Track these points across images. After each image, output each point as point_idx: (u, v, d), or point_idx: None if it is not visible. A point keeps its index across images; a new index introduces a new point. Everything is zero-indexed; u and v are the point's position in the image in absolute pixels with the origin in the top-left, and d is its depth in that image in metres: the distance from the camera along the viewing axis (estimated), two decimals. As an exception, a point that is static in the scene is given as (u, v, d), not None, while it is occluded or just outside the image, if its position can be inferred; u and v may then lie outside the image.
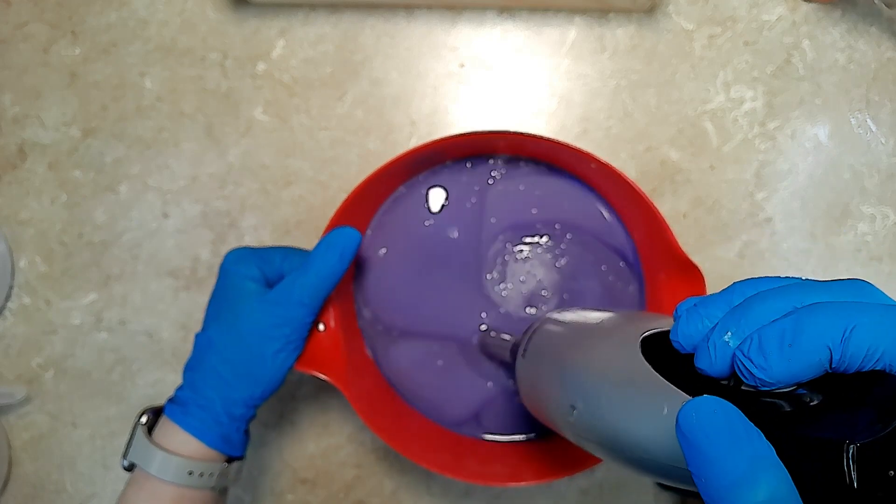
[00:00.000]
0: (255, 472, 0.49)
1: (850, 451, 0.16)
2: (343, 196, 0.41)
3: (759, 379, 0.18)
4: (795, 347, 0.18)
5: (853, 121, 0.50)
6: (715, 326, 0.20)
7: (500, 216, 0.46)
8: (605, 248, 0.46)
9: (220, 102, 0.50)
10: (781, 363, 0.18)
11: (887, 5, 0.47)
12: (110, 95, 0.50)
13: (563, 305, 0.46)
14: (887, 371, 0.17)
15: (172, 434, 0.37)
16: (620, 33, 0.50)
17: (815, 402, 0.19)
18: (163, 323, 0.50)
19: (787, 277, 0.21)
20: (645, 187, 0.49)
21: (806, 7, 0.50)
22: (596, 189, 0.45)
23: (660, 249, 0.42)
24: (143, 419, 0.38)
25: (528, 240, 0.46)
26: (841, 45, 0.50)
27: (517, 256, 0.46)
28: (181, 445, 0.37)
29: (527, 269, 0.46)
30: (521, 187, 0.46)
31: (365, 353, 0.47)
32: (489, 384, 0.46)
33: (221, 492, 0.39)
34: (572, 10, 0.50)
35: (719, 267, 0.49)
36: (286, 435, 0.50)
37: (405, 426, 0.45)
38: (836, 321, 0.17)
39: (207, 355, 0.38)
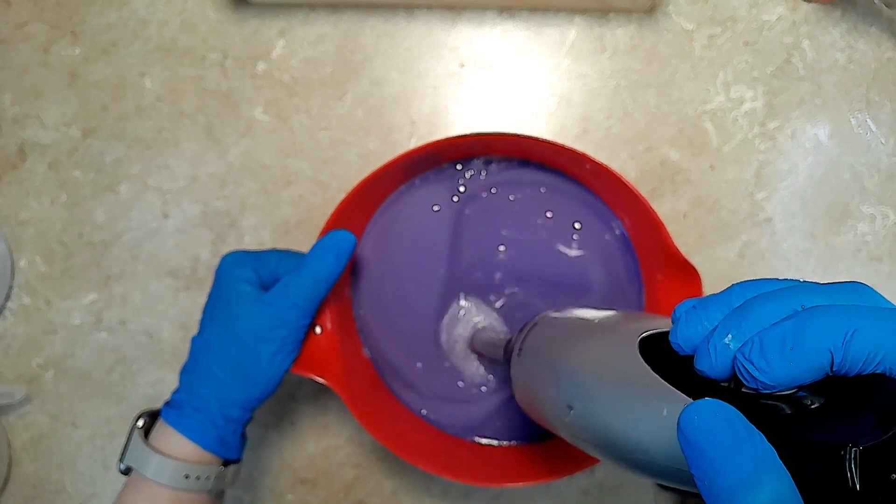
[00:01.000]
0: (255, 472, 0.49)
1: (852, 455, 0.16)
2: (343, 196, 0.41)
3: (760, 382, 0.18)
4: (797, 350, 0.18)
5: (853, 121, 0.50)
6: (715, 328, 0.20)
7: (495, 217, 0.46)
8: (604, 247, 0.46)
9: (220, 102, 0.50)
10: (783, 366, 0.18)
11: (887, 5, 0.47)
12: (110, 95, 0.50)
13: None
14: (887, 374, 0.17)
15: (169, 437, 0.37)
16: (620, 33, 0.50)
17: (815, 406, 0.19)
18: (163, 323, 0.50)
19: (785, 279, 0.21)
20: (645, 187, 0.49)
21: (806, 7, 0.50)
22: (592, 190, 0.45)
23: (656, 249, 0.42)
24: (140, 422, 0.38)
25: (524, 240, 0.46)
26: (841, 45, 0.50)
27: (514, 258, 0.46)
28: (177, 448, 0.37)
29: (526, 271, 0.46)
30: (515, 188, 0.46)
31: (362, 355, 0.47)
32: (482, 389, 0.46)
33: (218, 495, 0.39)
34: (572, 10, 0.50)
35: (719, 267, 0.49)
36: (286, 435, 0.50)
37: (402, 428, 0.45)
38: (838, 324, 0.17)
39: (204, 358, 0.38)
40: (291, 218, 0.50)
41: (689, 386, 0.20)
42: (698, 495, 0.18)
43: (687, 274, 0.40)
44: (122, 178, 0.50)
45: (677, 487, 0.23)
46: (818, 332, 0.18)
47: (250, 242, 0.50)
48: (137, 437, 0.37)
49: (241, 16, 0.50)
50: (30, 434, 0.50)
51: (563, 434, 0.27)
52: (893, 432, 0.16)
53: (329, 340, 0.43)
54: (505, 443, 0.46)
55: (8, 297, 0.50)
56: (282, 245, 0.49)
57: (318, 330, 0.42)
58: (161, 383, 0.50)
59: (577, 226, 0.46)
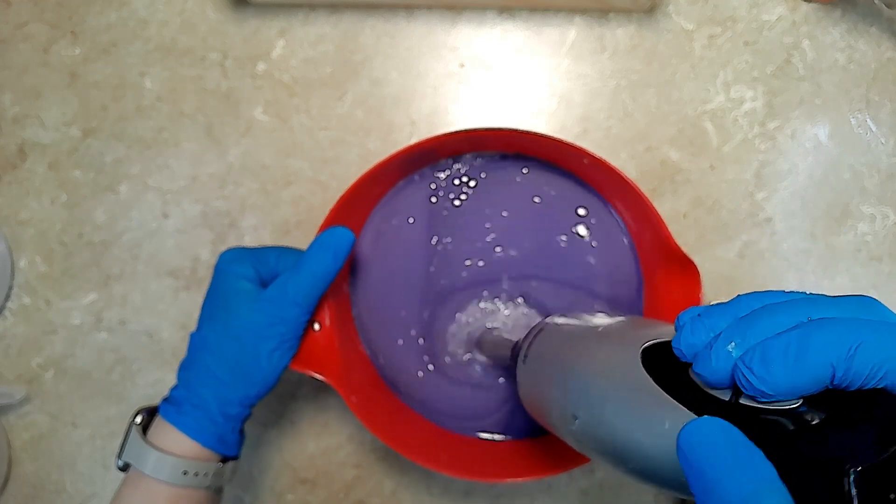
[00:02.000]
0: (254, 471, 0.49)
1: (852, 474, 0.16)
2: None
3: (758, 390, 0.18)
4: (800, 361, 0.18)
5: (853, 121, 0.50)
6: (719, 335, 0.20)
7: (491, 215, 0.46)
8: (606, 242, 0.46)
9: (220, 102, 0.50)
10: (784, 376, 0.18)
11: (887, 5, 0.47)
12: (110, 95, 0.50)
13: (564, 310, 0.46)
14: (888, 390, 0.17)
15: (167, 434, 0.37)
16: (620, 33, 0.50)
17: (816, 421, 0.19)
18: (163, 323, 0.50)
19: (792, 292, 0.21)
20: (645, 187, 0.49)
21: (806, 7, 0.50)
22: (594, 187, 0.45)
23: (656, 245, 0.42)
24: (138, 419, 0.38)
25: (525, 236, 0.46)
26: (841, 45, 0.50)
27: (515, 254, 0.46)
28: (176, 445, 0.37)
29: (528, 268, 0.46)
30: (513, 185, 0.46)
31: (361, 352, 0.47)
32: (483, 385, 0.46)
33: (217, 491, 0.39)
34: (572, 10, 0.50)
35: (719, 267, 0.49)
36: (286, 434, 0.50)
37: (402, 424, 0.45)
38: (843, 337, 0.17)
39: (202, 354, 0.38)
40: (291, 218, 0.50)
41: (689, 397, 0.20)
42: None
43: (686, 269, 0.41)
44: (122, 178, 0.50)
45: (682, 496, 0.23)
46: (822, 344, 0.17)
47: (250, 242, 0.50)
48: (136, 434, 0.37)
49: (241, 16, 0.50)
50: (30, 434, 0.50)
51: (569, 441, 0.27)
52: (893, 451, 0.16)
53: (327, 337, 0.43)
54: (507, 438, 0.46)
55: (8, 297, 0.50)
56: (278, 245, 0.49)
57: (316, 327, 0.42)
58: (161, 383, 0.50)
59: (580, 224, 0.46)
